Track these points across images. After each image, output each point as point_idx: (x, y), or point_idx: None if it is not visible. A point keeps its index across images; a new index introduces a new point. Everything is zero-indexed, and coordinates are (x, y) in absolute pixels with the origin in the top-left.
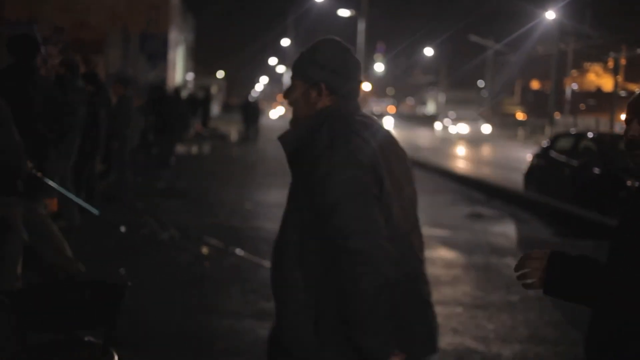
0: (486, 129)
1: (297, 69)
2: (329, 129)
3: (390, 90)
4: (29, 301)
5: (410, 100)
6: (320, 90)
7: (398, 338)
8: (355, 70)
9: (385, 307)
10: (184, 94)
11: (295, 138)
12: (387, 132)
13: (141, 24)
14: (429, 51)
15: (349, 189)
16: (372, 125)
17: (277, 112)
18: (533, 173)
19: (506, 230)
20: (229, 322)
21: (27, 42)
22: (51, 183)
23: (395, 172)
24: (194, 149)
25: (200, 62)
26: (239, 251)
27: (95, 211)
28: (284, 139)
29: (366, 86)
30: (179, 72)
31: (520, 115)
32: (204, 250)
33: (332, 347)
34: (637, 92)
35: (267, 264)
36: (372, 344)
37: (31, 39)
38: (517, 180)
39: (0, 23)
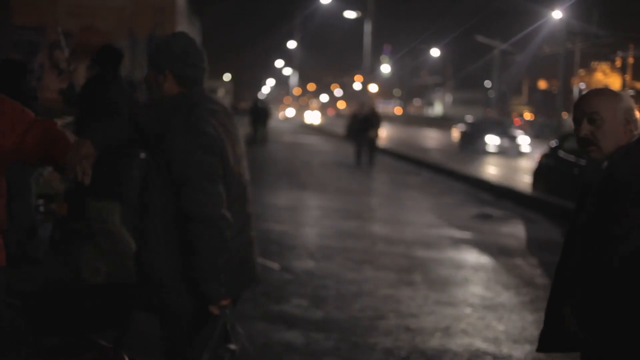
0: (525, 142)
1: (150, 59)
2: (185, 116)
3: (396, 92)
4: (41, 304)
5: (417, 102)
6: (166, 76)
7: (228, 285)
8: (198, 59)
9: (223, 262)
10: None
11: (154, 121)
12: (230, 116)
13: (148, 27)
14: (435, 52)
15: (201, 170)
16: (218, 111)
17: (285, 114)
18: (541, 173)
19: (515, 231)
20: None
21: (112, 53)
22: None
23: (237, 152)
24: None
25: (209, 65)
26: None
27: None
28: (144, 120)
29: (373, 87)
30: None
31: (527, 115)
32: None
33: (185, 288)
34: (583, 93)
35: (276, 266)
36: (211, 289)
37: (116, 50)
38: (525, 180)
39: (8, 28)
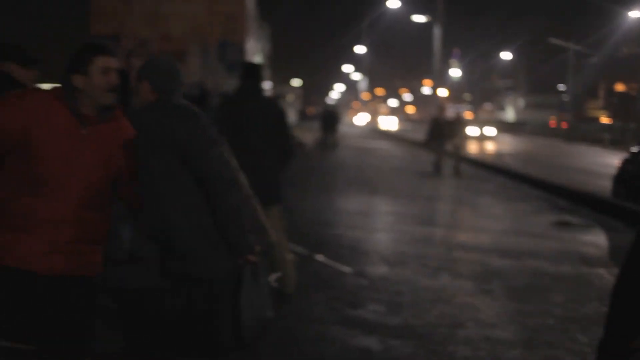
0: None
1: (143, 74)
2: (173, 111)
3: (467, 96)
4: (133, 305)
5: (488, 106)
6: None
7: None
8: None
9: (246, 214)
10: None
11: (145, 119)
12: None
13: (219, 34)
14: (506, 55)
15: (209, 141)
16: (189, 104)
17: (355, 119)
18: (623, 179)
19: (596, 240)
20: (314, 329)
21: (255, 68)
22: None
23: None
24: None
25: (277, 70)
26: (321, 258)
27: None
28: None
29: (442, 92)
30: None
31: (604, 119)
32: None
33: (222, 251)
34: None
35: (349, 270)
36: (245, 240)
37: (257, 66)
38: (604, 186)
39: (87, 38)
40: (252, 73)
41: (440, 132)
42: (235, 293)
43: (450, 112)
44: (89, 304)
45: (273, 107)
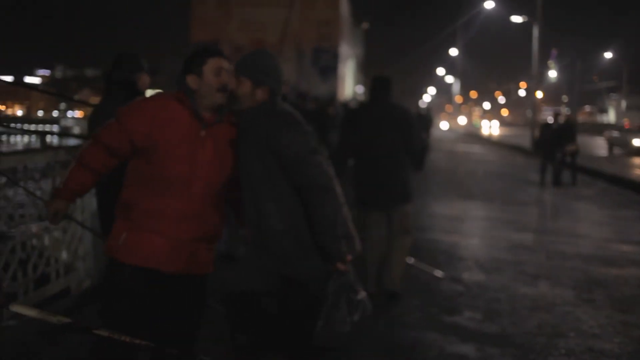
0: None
1: (244, 71)
2: (276, 115)
3: (564, 98)
4: (238, 308)
5: (587, 108)
6: (264, 90)
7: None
8: (281, 75)
9: (341, 222)
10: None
11: (250, 120)
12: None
13: (313, 39)
14: (608, 55)
15: (309, 149)
16: (293, 110)
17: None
18: None
19: None
20: (410, 335)
21: (385, 81)
22: None
23: None
24: None
25: (369, 74)
26: (417, 263)
27: None
28: (243, 119)
29: (538, 94)
30: (348, 85)
31: None
32: None
33: (311, 256)
34: None
35: (445, 275)
36: (337, 247)
37: (387, 79)
38: None
39: (187, 45)
40: (383, 86)
41: (551, 138)
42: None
43: (561, 117)
44: (200, 303)
45: (403, 115)
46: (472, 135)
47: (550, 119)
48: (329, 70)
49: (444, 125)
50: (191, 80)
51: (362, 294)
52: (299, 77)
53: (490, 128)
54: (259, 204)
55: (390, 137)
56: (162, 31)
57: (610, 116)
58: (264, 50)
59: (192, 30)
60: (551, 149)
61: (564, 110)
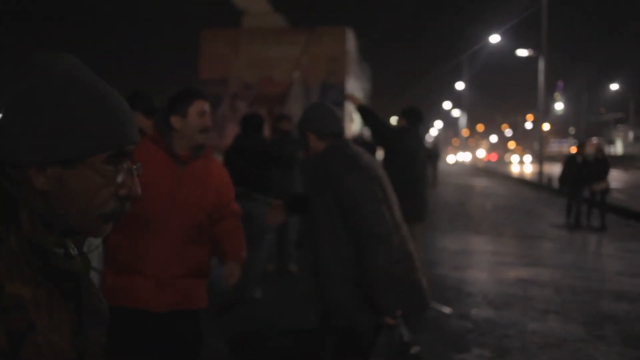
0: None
1: (306, 126)
2: (340, 160)
3: (571, 130)
4: (245, 349)
5: (595, 140)
6: (328, 139)
7: (400, 299)
8: (338, 119)
9: (394, 275)
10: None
11: (313, 166)
12: (374, 159)
13: (321, 75)
14: (614, 86)
15: (366, 195)
16: (362, 153)
17: (456, 157)
18: None
19: None
20: None
21: (419, 113)
22: None
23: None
24: None
25: (377, 109)
26: None
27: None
28: (305, 167)
29: (545, 126)
30: (356, 121)
31: None
32: None
33: (364, 307)
34: None
35: (449, 310)
36: (386, 301)
37: (420, 112)
38: None
39: (196, 82)
40: (418, 118)
41: (577, 173)
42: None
43: (590, 148)
44: (195, 338)
45: (424, 143)
46: (479, 168)
47: (574, 150)
48: (336, 106)
49: (451, 158)
50: (175, 121)
51: (416, 349)
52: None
53: (522, 164)
54: (318, 248)
55: (420, 161)
56: (169, 68)
57: (618, 148)
58: (318, 103)
59: (201, 67)
60: (576, 185)
61: (594, 142)
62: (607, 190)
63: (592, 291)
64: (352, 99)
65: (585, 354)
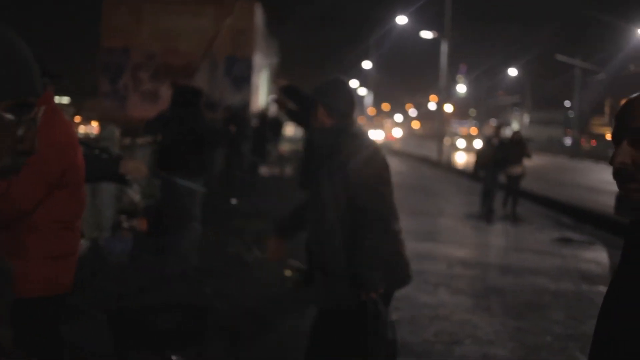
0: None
1: (318, 97)
2: (349, 140)
3: (472, 112)
4: (124, 321)
5: (493, 122)
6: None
7: (386, 277)
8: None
9: (384, 253)
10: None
11: (325, 141)
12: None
13: (227, 49)
14: (513, 71)
15: (380, 179)
16: (365, 134)
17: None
18: (624, 197)
19: (597, 257)
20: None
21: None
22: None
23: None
24: (277, 171)
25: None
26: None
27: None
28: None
29: (448, 107)
30: (262, 95)
31: (610, 136)
32: (287, 271)
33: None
34: (632, 96)
35: None
36: (372, 278)
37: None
38: (608, 203)
39: (97, 51)
40: None
41: (494, 157)
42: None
43: (488, 130)
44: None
45: None
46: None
47: (489, 131)
48: (243, 80)
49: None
50: None
51: (391, 325)
52: (211, 87)
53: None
54: (320, 225)
55: None
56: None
57: (514, 129)
58: (338, 79)
59: (103, 36)
60: (493, 170)
61: (493, 124)
62: (522, 175)
63: (481, 265)
64: (278, 82)
65: (471, 325)
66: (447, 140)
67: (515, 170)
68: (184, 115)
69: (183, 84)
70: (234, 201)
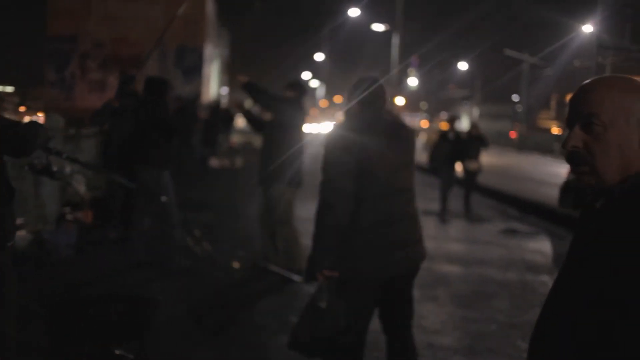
0: None
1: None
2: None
3: (423, 105)
4: (63, 314)
5: (444, 115)
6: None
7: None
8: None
9: (333, 238)
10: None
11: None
12: (394, 125)
13: (178, 38)
14: (463, 65)
15: (330, 164)
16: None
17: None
18: (568, 188)
19: (542, 247)
20: (255, 336)
21: (304, 85)
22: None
23: (392, 151)
24: (227, 163)
25: (235, 76)
26: (273, 267)
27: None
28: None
29: (399, 100)
30: (213, 86)
31: (555, 130)
32: (235, 264)
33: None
34: (584, 82)
35: (298, 278)
36: (315, 256)
37: (304, 83)
38: (551, 195)
39: (44, 39)
40: (303, 90)
41: (449, 152)
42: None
43: (460, 125)
44: None
45: (305, 114)
46: None
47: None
48: (194, 71)
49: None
50: None
51: (323, 304)
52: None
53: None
54: None
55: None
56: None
57: (464, 123)
58: (363, 77)
59: (50, 22)
60: (447, 165)
61: (443, 117)
62: (478, 171)
63: (429, 256)
64: (239, 78)
65: (418, 315)
66: None
67: (473, 165)
68: (155, 107)
69: (133, 73)
70: (163, 198)
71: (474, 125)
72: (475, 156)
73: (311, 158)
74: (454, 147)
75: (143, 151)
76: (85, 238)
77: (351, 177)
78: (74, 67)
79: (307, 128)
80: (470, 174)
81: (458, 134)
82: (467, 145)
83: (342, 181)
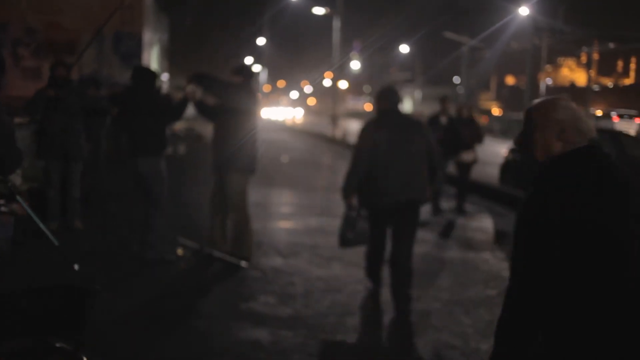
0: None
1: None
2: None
3: (367, 88)
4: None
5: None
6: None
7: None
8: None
9: (355, 179)
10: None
11: None
12: (402, 117)
13: (115, 24)
14: (404, 48)
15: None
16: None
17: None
18: (509, 168)
19: (483, 225)
20: (203, 324)
21: (251, 69)
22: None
23: (398, 138)
24: (170, 150)
25: (175, 62)
26: (218, 253)
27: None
28: None
29: (342, 84)
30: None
31: (495, 111)
32: (179, 251)
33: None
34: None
35: (245, 264)
36: (346, 189)
37: (251, 68)
38: (493, 174)
39: None
40: (251, 74)
41: (442, 141)
42: None
43: (460, 111)
44: None
45: (256, 98)
46: (279, 124)
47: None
48: (132, 57)
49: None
50: None
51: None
52: (99, 64)
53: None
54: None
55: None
56: None
57: (407, 105)
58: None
59: None
60: (444, 156)
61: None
62: (473, 163)
63: None
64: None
65: (362, 296)
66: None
67: (468, 156)
68: (147, 96)
69: (68, 61)
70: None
71: (467, 108)
72: (470, 145)
73: (265, 143)
74: (446, 135)
75: (142, 140)
76: (23, 230)
77: (368, 155)
78: (5, 55)
79: (264, 113)
80: (464, 167)
81: (452, 119)
82: (463, 132)
83: (361, 157)
